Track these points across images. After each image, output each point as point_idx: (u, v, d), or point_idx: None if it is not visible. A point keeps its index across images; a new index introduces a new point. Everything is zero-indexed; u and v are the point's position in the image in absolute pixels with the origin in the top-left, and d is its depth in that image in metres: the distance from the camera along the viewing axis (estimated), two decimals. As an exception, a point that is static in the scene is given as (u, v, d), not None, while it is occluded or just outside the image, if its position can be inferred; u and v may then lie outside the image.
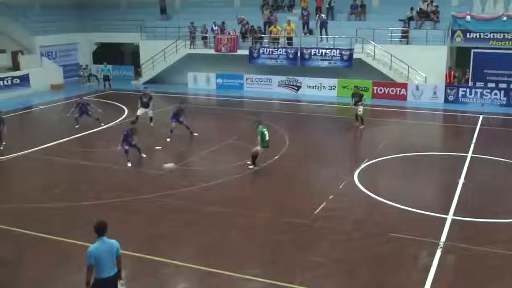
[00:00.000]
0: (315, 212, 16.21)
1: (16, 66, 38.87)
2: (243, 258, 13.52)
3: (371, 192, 17.69)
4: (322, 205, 16.67)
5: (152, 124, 27.48)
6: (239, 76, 38.30)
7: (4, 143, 23.75)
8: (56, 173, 20.92)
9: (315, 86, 35.89)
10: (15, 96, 35.75)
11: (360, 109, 26.65)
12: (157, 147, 23.73)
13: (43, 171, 21.42)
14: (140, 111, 27.36)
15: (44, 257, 13.97)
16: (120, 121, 29.05)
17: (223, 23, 38.63)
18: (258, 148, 20.08)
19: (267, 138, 19.96)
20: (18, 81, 37.76)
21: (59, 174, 20.85)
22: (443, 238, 14.32)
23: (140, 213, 16.54)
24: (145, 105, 27.49)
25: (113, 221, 15.68)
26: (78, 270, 12.94)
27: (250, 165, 20.34)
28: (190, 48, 39.43)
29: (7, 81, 37.05)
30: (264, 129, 19.99)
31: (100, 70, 40.83)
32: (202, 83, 39.34)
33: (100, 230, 10.14)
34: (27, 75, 38.42)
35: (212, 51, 38.55)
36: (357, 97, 26.85)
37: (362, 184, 18.43)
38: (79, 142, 25.17)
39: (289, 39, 37.00)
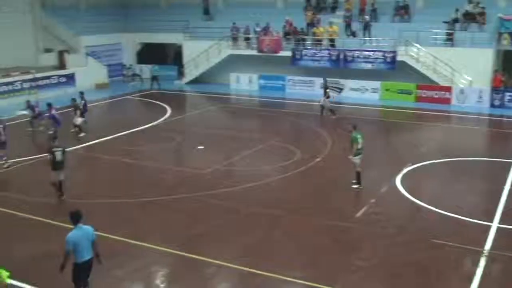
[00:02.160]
0: (357, 215, 16.17)
1: (62, 65, 39.69)
2: (285, 260, 13.56)
3: (414, 197, 17.52)
4: (364, 209, 16.62)
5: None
6: (282, 77, 38.30)
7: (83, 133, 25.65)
8: (99, 170, 21.30)
9: (358, 89, 35.65)
10: (61, 94, 36.44)
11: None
12: (199, 147, 23.90)
13: (87, 167, 21.80)
14: (77, 120, 26.61)
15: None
16: (163, 120, 29.35)
17: (267, 24, 38.64)
18: (354, 160, 18.25)
19: (360, 146, 18.20)
20: (64, 79, 38.53)
21: (102, 171, 21.23)
22: (488, 246, 14.08)
23: (183, 212, 16.72)
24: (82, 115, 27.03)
25: (157, 219, 16.08)
26: (121, 266, 13.24)
27: (355, 184, 18.45)
28: (233, 48, 39.58)
29: (54, 80, 37.83)
30: (358, 135, 18.30)
31: (150, 69, 41.20)
32: (244, 84, 39.46)
33: (76, 218, 10.95)
34: (73, 74, 39.19)
35: (254, 52, 38.65)
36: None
37: (404, 188, 18.26)
38: (123, 140, 25.52)
39: (332, 40, 36.86)
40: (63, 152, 17.71)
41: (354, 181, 18.38)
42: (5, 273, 10.73)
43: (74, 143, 24.25)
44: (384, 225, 15.66)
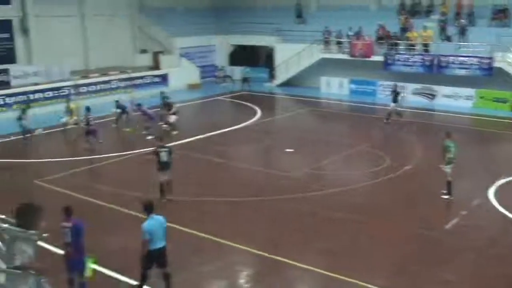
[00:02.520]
0: (447, 226, 15.75)
1: (156, 66, 40.95)
2: (369, 267, 13.41)
3: (507, 211, 16.85)
4: (455, 220, 16.16)
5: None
6: (373, 82, 37.83)
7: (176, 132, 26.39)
8: (190, 169, 21.76)
9: (451, 96, 34.68)
10: (154, 94, 37.54)
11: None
12: (288, 150, 24.01)
13: (177, 166, 22.23)
14: (170, 118, 27.31)
15: (177, 248, 14.64)
16: (253, 121, 29.67)
17: (360, 28, 38.29)
18: (446, 169, 17.64)
19: (451, 155, 17.56)
20: (158, 79, 39.70)
21: (192, 170, 21.69)
22: None
23: (269, 213, 16.86)
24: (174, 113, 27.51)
25: (244, 220, 16.31)
26: (206, 263, 13.52)
27: (445, 194, 17.84)
28: (324, 52, 39.47)
29: (148, 79, 39.07)
30: (451, 144, 17.68)
31: (241, 71, 41.78)
32: (334, 88, 39.25)
33: (150, 208, 11.61)
34: (166, 74, 40.34)
35: (346, 56, 38.38)
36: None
37: (497, 201, 17.58)
38: (214, 140, 26.00)
39: (426, 45, 36.05)
40: (169, 152, 17.54)
41: (444, 191, 17.88)
42: (91, 261, 11.20)
43: (166, 141, 24.89)
44: (474, 238, 15.16)
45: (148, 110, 27.18)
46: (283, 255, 13.85)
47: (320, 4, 45.26)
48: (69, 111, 27.48)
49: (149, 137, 25.34)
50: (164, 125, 27.11)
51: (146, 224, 11.44)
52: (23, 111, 26.41)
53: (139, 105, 26.95)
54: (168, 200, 17.18)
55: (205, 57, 45.77)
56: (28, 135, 25.89)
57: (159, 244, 11.57)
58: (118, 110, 28.89)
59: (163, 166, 17.42)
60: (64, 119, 27.47)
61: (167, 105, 27.63)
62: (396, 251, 14.28)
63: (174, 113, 27.39)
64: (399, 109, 29.21)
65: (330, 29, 39.36)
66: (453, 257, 14.00)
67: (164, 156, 17.36)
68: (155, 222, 11.55)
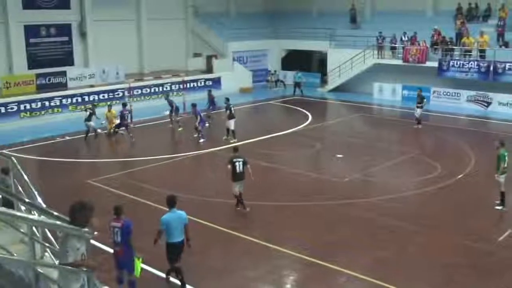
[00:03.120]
0: (500, 239, 15.37)
1: (209, 69, 41.39)
2: (418, 277, 13.23)
3: None
4: (508, 233, 15.72)
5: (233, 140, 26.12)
6: (426, 88, 37.16)
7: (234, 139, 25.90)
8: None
9: (508, 103, 33.85)
10: (206, 97, 37.90)
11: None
12: (338, 155, 23.93)
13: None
14: (229, 124, 26.67)
15: (225, 250, 14.81)
16: (303, 126, 29.68)
17: (415, 33, 37.80)
18: (500, 179, 17.22)
19: (505, 165, 17.10)
20: (211, 83, 40.11)
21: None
22: None
23: (317, 218, 16.84)
24: (232, 117, 26.71)
25: (291, 224, 16.32)
26: (253, 267, 13.61)
27: (498, 205, 17.42)
28: (378, 58, 39.13)
29: (201, 83, 39.52)
30: (505, 153, 17.20)
31: (293, 76, 41.83)
32: (387, 94, 38.85)
33: (171, 202, 12.18)
34: (219, 78, 40.72)
35: (399, 62, 37.95)
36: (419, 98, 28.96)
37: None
38: (264, 144, 26.10)
39: (482, 51, 35.31)
40: (244, 162, 17.16)
41: (497, 201, 17.49)
42: (139, 260, 11.45)
43: (217, 145, 25.17)
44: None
45: (201, 112, 27.45)
46: (331, 261, 13.81)
47: (375, 9, 44.89)
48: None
49: (202, 140, 25.65)
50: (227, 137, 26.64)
51: (164, 216, 12.11)
52: (92, 113, 27.06)
53: (194, 105, 27.09)
54: (243, 209, 17.07)
55: (257, 61, 46.02)
56: (93, 134, 26.67)
57: (177, 238, 12.10)
58: (168, 109, 29.57)
59: (239, 177, 17.08)
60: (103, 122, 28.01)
61: (226, 107, 27.53)
62: (445, 262, 14.01)
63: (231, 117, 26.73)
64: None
65: (384, 34, 39.00)
66: (504, 271, 13.65)
67: (239, 166, 17.04)
68: (174, 215, 12.09)
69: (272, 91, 42.64)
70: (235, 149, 17.95)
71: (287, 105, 36.98)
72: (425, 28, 37.71)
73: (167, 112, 30.09)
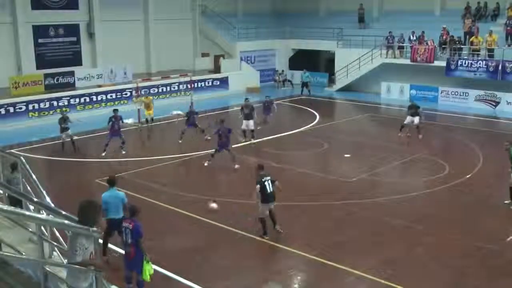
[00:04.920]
0: (508, 239, 15.31)
1: (217, 69, 41.41)
2: (426, 278, 13.17)
3: None
4: (516, 232, 15.71)
5: (254, 141, 26.15)
6: (434, 88, 37.18)
7: (252, 141, 26.03)
8: (245, 172, 21.87)
9: (516, 103, 33.75)
10: (214, 97, 38.08)
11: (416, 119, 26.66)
12: (346, 155, 23.90)
13: (233, 168, 22.38)
14: (244, 124, 26.22)
15: (234, 250, 14.81)
16: (311, 126, 29.65)
17: (423, 32, 37.71)
18: None
19: None
20: (218, 83, 40.20)
21: (248, 173, 21.80)
22: None
23: (325, 218, 16.82)
24: (247, 117, 26.18)
25: (299, 224, 16.28)
26: (263, 267, 13.60)
27: (510, 204, 17.34)
28: (386, 57, 39.02)
29: (208, 83, 39.59)
30: None
31: (301, 75, 41.76)
32: (395, 94, 38.76)
33: (110, 182, 13.48)
34: (227, 77, 40.76)
35: (407, 61, 37.86)
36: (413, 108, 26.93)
37: None
38: (272, 143, 26.07)
39: (491, 51, 35.17)
40: (273, 181, 15.37)
41: (507, 201, 17.37)
42: (148, 264, 11.47)
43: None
44: (538, 250, 14.72)
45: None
46: (339, 261, 13.79)
47: (383, 8, 44.83)
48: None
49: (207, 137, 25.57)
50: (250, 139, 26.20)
51: (103, 194, 13.22)
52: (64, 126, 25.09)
53: (222, 121, 23.53)
54: (278, 232, 15.54)
55: (265, 61, 46.02)
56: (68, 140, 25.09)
57: (114, 215, 12.98)
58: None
59: (269, 198, 15.25)
60: (127, 121, 28.13)
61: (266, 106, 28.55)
62: (454, 263, 13.97)
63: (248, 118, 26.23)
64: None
65: (392, 34, 38.89)
66: (514, 271, 13.63)
67: (269, 186, 15.22)
68: (110, 194, 13.20)
69: (279, 90, 42.60)
70: (261, 167, 15.96)
71: (294, 104, 36.95)
72: (433, 28, 37.58)
73: (176, 112, 30.19)
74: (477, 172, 21.41)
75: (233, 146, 23.16)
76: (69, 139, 24.88)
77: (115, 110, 25.00)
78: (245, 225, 16.08)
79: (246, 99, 27.37)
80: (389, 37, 38.88)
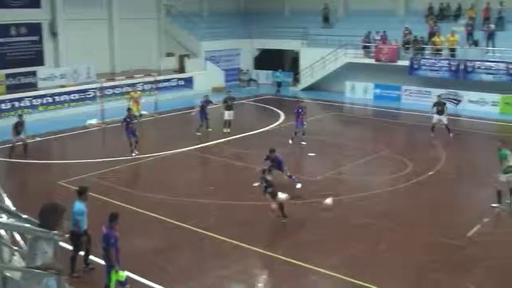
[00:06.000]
0: (469, 234, 15.57)
1: (182, 69, 41.24)
2: (389, 274, 13.37)
3: (533, 218, 16.69)
4: (477, 228, 15.94)
5: (227, 130, 27.67)
6: (397, 87, 37.64)
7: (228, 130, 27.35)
8: (210, 172, 21.93)
9: (477, 101, 34.31)
10: (179, 97, 37.88)
11: (444, 118, 26.75)
12: (310, 154, 24.03)
13: (199, 168, 22.47)
14: (226, 115, 27.95)
15: (195, 249, 14.79)
16: (276, 125, 29.74)
17: (384, 32, 38.20)
18: (501, 178, 17.13)
19: (510, 163, 16.89)
20: (183, 82, 40.07)
21: (214, 173, 21.84)
22: None
23: (290, 217, 16.78)
24: (230, 108, 28.08)
25: (264, 223, 16.29)
26: (225, 267, 13.59)
27: (495, 203, 17.28)
28: (350, 57, 39.30)
29: (173, 82, 39.48)
30: (507, 152, 17.04)
31: (274, 76, 41.95)
32: (359, 93, 39.09)
33: (80, 193, 12.88)
34: (191, 77, 40.64)
35: (371, 61, 38.25)
36: (440, 106, 27.06)
37: (523, 209, 17.41)
38: (236, 143, 26.12)
39: (453, 50, 35.76)
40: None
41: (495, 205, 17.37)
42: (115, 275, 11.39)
43: (190, 144, 25.11)
44: (496, 246, 14.97)
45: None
46: (303, 260, 13.86)
47: (348, 8, 45.13)
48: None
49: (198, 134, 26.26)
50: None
51: (78, 206, 12.70)
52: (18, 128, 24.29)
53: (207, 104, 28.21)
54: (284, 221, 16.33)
55: (230, 60, 45.95)
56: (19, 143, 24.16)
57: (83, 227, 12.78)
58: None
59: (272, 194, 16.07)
60: (90, 121, 27.92)
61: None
62: (417, 259, 14.19)
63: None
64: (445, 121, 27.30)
65: (357, 34, 39.19)
66: (475, 266, 13.91)
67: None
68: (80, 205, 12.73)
69: (244, 90, 42.61)
70: (267, 170, 16.83)
71: (259, 104, 37.00)
72: (397, 28, 38.14)
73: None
74: (440, 169, 21.76)
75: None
76: (21, 142, 24.03)
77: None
78: (208, 224, 16.06)
79: (229, 91, 29.30)
80: (365, 38, 39.14)
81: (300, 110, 25.97)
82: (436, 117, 27.00)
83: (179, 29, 43.95)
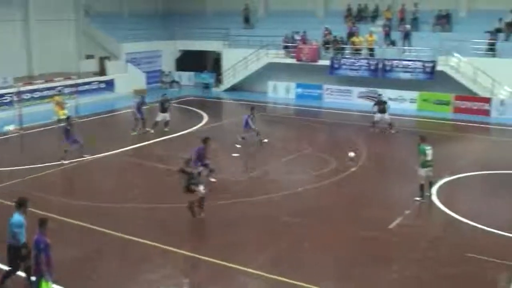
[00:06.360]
0: (390, 226, 16.02)
1: (102, 71, 40.41)
2: (317, 270, 13.52)
3: (450, 210, 17.25)
4: (398, 220, 16.44)
5: (167, 129, 28.28)
6: (319, 86, 38.26)
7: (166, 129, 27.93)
8: (134, 175, 21.57)
9: (396, 99, 35.23)
10: (100, 100, 37.10)
11: (387, 116, 28.04)
12: (234, 154, 24.04)
13: (122, 172, 22.08)
14: (160, 117, 28.42)
15: (119, 256, 14.49)
16: (199, 127, 29.61)
17: (304, 32, 38.76)
18: (420, 172, 17.87)
19: (428, 158, 17.69)
20: (104, 85, 39.27)
21: (137, 176, 21.49)
22: (524, 261, 13.83)
23: (216, 219, 16.78)
24: (164, 110, 28.55)
25: (189, 226, 16.17)
26: (152, 271, 13.39)
27: (418, 197, 17.96)
28: (271, 57, 39.59)
29: (93, 85, 38.59)
30: (426, 147, 17.82)
31: (200, 77, 41.84)
32: (281, 93, 39.48)
33: (18, 205, 12.05)
34: (112, 80, 39.88)
35: (293, 61, 38.70)
36: (381, 104, 28.27)
37: (440, 201, 18.00)
38: (159, 145, 25.88)
39: (371, 50, 36.69)
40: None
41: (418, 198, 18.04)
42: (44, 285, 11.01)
43: (113, 148, 24.62)
44: (418, 237, 15.48)
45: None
46: (231, 261, 13.81)
47: (268, 9, 45.53)
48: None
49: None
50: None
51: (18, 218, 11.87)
52: None
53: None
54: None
55: (151, 62, 45.41)
56: None
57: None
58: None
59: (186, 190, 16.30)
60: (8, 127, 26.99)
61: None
62: (342, 253, 14.45)
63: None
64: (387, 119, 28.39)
65: (278, 34, 39.54)
66: (397, 257, 14.29)
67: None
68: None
69: (167, 92, 42.04)
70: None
71: (182, 105, 36.70)
72: (317, 28, 38.77)
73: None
74: (361, 165, 22.27)
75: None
76: None
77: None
78: (134, 230, 15.78)
79: (164, 94, 29.83)
80: (285, 38, 39.44)
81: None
82: (378, 115, 28.12)
83: (98, 31, 43.00)
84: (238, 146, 25.19)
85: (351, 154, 22.56)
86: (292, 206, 17.82)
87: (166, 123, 28.51)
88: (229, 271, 13.45)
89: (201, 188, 16.33)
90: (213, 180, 19.59)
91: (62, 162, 22.37)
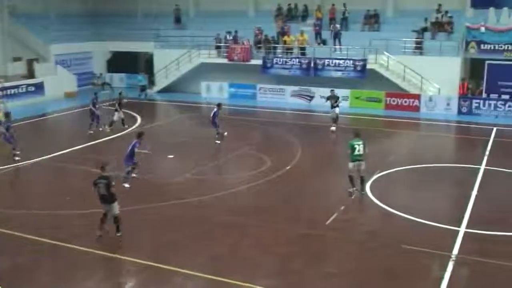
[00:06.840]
0: (327, 222, 16.18)
1: (31, 74, 39.21)
2: (255, 269, 13.52)
3: (383, 204, 17.62)
4: (334, 216, 16.63)
5: (126, 126, 29.08)
6: (252, 85, 38.37)
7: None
8: (67, 180, 21.06)
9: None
10: (29, 104, 36.02)
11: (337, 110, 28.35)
12: (169, 156, 23.78)
13: (55, 178, 21.55)
14: (116, 116, 29.01)
15: (55, 263, 14.07)
16: (133, 129, 29.15)
17: (236, 32, 38.79)
18: (349, 165, 18.30)
19: (356, 152, 18.08)
20: (33, 88, 38.10)
21: (70, 181, 20.97)
22: (456, 251, 14.23)
23: (152, 221, 16.57)
24: (122, 107, 29.44)
25: (125, 229, 15.84)
26: (89, 277, 13.08)
27: (350, 188, 18.49)
28: (204, 57, 39.44)
29: (22, 89, 37.39)
30: (354, 142, 18.19)
31: (137, 79, 41.11)
32: (215, 92, 39.38)
33: None
34: (42, 83, 38.75)
35: (225, 61, 38.66)
36: (333, 99, 28.43)
37: (374, 195, 18.36)
38: (92, 149, 25.31)
39: (303, 49, 37.06)
40: (108, 184, 14.88)
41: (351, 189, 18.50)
42: None
43: (44, 154, 23.93)
44: (353, 232, 15.77)
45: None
46: (168, 262, 13.66)
47: (199, 9, 45.35)
48: None
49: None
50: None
51: None
52: None
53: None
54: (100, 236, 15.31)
55: (82, 64, 44.52)
56: None
57: None
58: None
59: (101, 199, 15.14)
60: None
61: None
62: (279, 251, 14.46)
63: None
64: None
65: (209, 34, 39.43)
66: (334, 252, 14.50)
67: (101, 189, 14.97)
68: None
69: (99, 94, 41.24)
70: (103, 167, 15.52)
71: (114, 108, 35.99)
72: (248, 28, 38.82)
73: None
74: (296, 163, 22.42)
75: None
76: None
77: None
78: (68, 236, 15.35)
79: (120, 92, 30.69)
80: (217, 38, 39.29)
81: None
82: (336, 110, 28.35)
83: (25, 32, 41.72)
84: (217, 142, 25.51)
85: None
86: (229, 206, 17.77)
87: (123, 121, 29.12)
88: (165, 273, 13.26)
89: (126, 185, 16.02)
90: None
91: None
